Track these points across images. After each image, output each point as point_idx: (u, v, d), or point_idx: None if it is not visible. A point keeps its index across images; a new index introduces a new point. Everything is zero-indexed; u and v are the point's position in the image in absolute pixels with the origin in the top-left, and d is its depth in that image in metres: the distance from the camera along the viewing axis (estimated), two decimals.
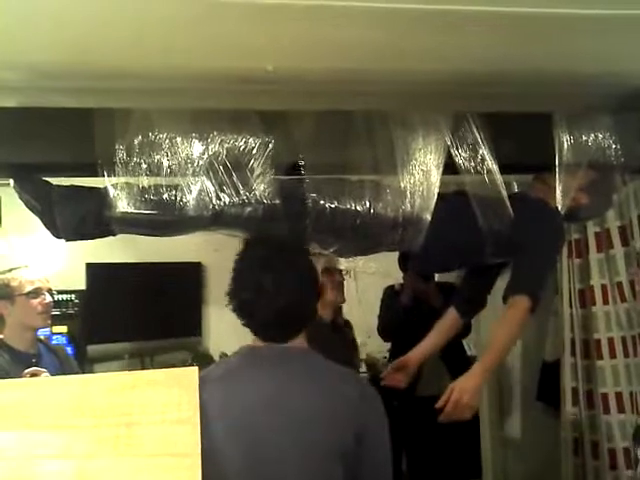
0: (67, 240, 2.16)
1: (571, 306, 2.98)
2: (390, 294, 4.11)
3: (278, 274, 1.58)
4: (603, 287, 2.86)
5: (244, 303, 1.62)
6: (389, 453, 1.56)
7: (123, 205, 2.04)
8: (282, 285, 1.57)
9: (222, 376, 1.63)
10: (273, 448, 1.50)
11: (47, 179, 2.14)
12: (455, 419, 2.01)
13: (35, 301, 2.49)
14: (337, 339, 3.25)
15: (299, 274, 1.62)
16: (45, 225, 2.14)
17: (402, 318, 3.89)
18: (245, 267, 1.65)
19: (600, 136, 2.31)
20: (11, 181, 2.11)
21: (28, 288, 2.49)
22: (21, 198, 2.15)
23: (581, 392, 2.94)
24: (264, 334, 1.63)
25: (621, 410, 2.77)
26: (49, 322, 2.60)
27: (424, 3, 1.72)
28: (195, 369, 1.53)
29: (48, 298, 2.55)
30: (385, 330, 4.12)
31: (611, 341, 2.84)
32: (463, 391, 1.99)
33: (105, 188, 2.05)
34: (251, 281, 1.60)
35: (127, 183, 2.05)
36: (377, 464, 1.54)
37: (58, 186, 2.13)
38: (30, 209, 2.15)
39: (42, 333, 2.90)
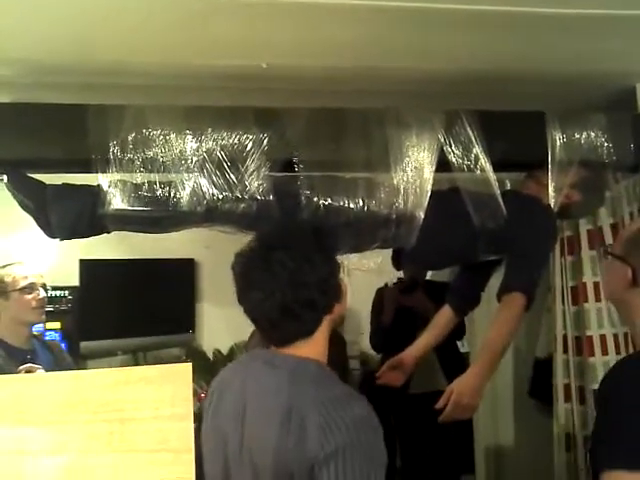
0: (61, 239, 2.15)
1: (563, 303, 2.99)
2: (379, 301, 4.03)
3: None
4: (595, 284, 2.86)
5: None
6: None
7: (117, 202, 2.03)
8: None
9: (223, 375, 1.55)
10: (234, 462, 1.38)
11: (40, 179, 2.13)
12: (455, 419, 2.01)
13: (29, 296, 2.49)
14: None
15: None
16: (39, 225, 2.13)
17: (387, 336, 3.83)
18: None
19: (592, 134, 2.32)
20: (4, 177, 2.10)
21: (22, 283, 2.49)
22: (15, 198, 2.14)
23: (573, 388, 2.95)
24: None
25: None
26: (43, 317, 2.59)
27: (418, 2, 1.72)
28: (189, 365, 1.54)
29: (42, 293, 2.54)
30: (373, 344, 4.08)
31: (603, 338, 2.85)
32: (462, 392, 1.98)
33: (98, 186, 2.05)
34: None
35: (120, 180, 2.05)
36: None
37: (52, 186, 2.12)
38: (24, 209, 2.15)
39: (35, 329, 2.90)
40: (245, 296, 1.40)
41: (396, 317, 3.84)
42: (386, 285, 4.01)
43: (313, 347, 1.40)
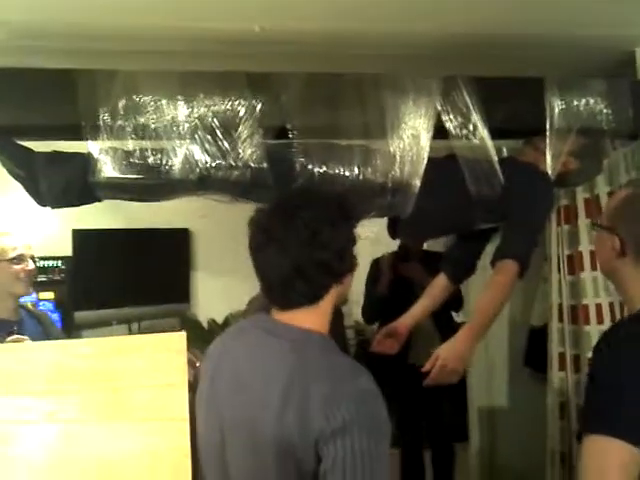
0: (52, 207, 2.13)
1: (559, 272, 2.98)
2: (374, 271, 3.99)
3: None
4: (592, 253, 2.85)
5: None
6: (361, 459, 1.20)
7: (108, 170, 2.00)
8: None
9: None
10: (230, 432, 1.35)
11: (30, 147, 2.10)
12: (440, 383, 2.01)
13: (18, 267, 2.44)
14: None
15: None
16: (29, 193, 2.10)
17: (382, 306, 3.82)
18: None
19: (591, 101, 2.29)
20: None
21: (11, 254, 2.44)
22: (4, 165, 2.11)
23: (568, 357, 2.96)
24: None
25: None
26: (31, 290, 2.55)
27: None
28: (183, 334, 1.52)
29: (31, 265, 2.50)
30: (365, 315, 4.05)
31: (599, 307, 2.84)
32: (448, 357, 1.98)
33: (89, 153, 2.01)
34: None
35: (111, 147, 2.01)
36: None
37: (41, 153, 2.09)
38: (13, 176, 2.11)
39: (29, 299, 2.88)
40: (260, 250, 1.37)
41: (393, 285, 3.82)
42: (383, 255, 3.99)
43: (316, 316, 1.38)
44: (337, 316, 3.76)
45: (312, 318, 1.38)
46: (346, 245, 1.39)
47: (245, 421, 1.31)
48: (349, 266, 1.41)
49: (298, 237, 1.32)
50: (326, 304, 1.40)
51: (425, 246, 4.07)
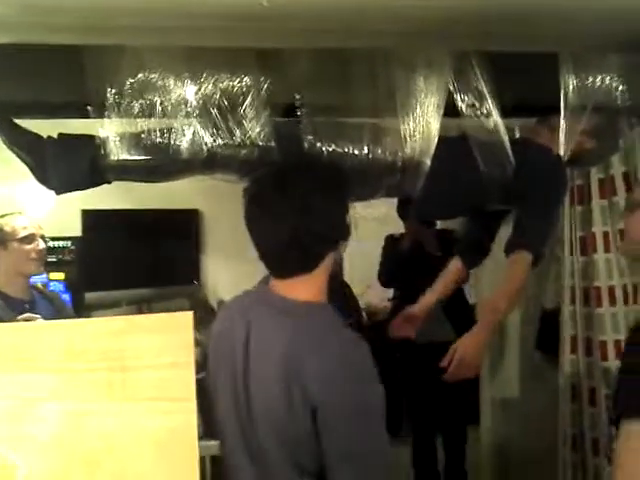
0: (58, 193, 2.11)
1: (572, 253, 2.95)
2: (390, 242, 4.10)
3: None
4: (605, 234, 2.82)
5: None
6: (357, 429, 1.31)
7: (117, 152, 1.98)
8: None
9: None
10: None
11: (36, 125, 2.07)
12: (459, 378, 2.00)
13: (28, 247, 2.46)
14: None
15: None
16: (37, 179, 2.08)
17: (401, 265, 3.89)
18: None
19: (607, 78, 2.24)
20: None
21: (22, 234, 2.46)
22: (12, 151, 2.08)
23: (580, 340, 2.94)
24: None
25: (619, 357, 2.77)
26: (42, 269, 2.57)
27: None
28: (190, 313, 1.51)
29: (42, 244, 2.51)
30: (384, 276, 4.12)
31: (611, 289, 2.82)
32: (466, 351, 1.99)
33: (97, 136, 1.99)
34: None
35: (119, 128, 1.99)
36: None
37: (50, 139, 2.06)
38: (21, 161, 2.09)
39: (39, 280, 2.88)
40: (256, 220, 1.42)
41: (409, 250, 3.87)
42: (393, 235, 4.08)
43: (314, 283, 1.43)
44: (352, 298, 3.75)
45: (309, 285, 1.42)
46: (340, 214, 1.43)
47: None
48: (343, 234, 1.45)
49: (293, 208, 1.36)
50: (322, 271, 1.43)
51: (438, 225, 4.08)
